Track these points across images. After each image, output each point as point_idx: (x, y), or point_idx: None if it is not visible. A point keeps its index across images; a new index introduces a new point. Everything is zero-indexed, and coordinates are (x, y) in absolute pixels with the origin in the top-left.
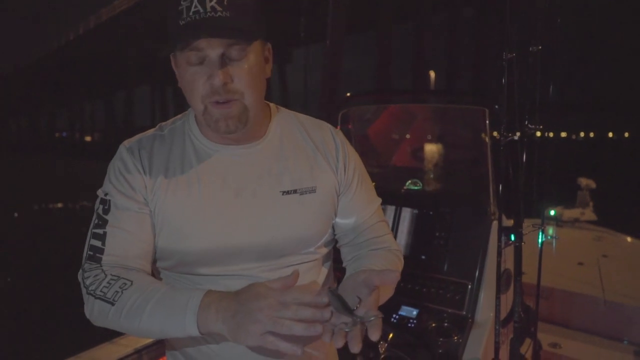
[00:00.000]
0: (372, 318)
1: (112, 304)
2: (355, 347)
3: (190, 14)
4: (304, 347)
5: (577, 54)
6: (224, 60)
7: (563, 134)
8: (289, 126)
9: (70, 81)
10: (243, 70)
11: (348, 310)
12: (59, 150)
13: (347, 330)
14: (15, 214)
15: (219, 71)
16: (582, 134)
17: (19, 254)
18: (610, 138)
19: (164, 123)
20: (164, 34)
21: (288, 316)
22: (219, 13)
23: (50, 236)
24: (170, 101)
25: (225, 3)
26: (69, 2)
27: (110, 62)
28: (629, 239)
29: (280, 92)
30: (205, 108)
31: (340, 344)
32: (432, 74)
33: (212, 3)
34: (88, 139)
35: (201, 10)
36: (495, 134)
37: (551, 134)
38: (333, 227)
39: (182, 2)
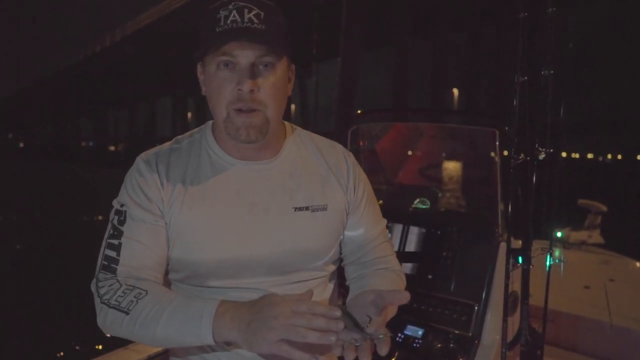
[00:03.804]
0: (381, 336)
1: (127, 313)
2: None
3: (228, 22)
4: (317, 357)
5: (610, 73)
6: (254, 70)
7: (590, 155)
8: (303, 145)
9: (95, 92)
10: (269, 83)
11: (359, 327)
12: (85, 159)
13: (357, 345)
14: (38, 217)
15: (248, 79)
16: (609, 156)
17: (39, 256)
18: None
19: (180, 136)
20: (189, 45)
21: (302, 324)
22: (255, 25)
23: (71, 242)
24: (191, 112)
25: (262, 17)
26: (94, 15)
27: (134, 73)
28: (637, 263)
29: (300, 107)
30: (227, 115)
31: (351, 357)
32: (456, 91)
33: (250, 15)
34: (112, 148)
35: (239, 20)
36: (505, 153)
37: (576, 155)
38: (340, 245)
39: (220, 12)
